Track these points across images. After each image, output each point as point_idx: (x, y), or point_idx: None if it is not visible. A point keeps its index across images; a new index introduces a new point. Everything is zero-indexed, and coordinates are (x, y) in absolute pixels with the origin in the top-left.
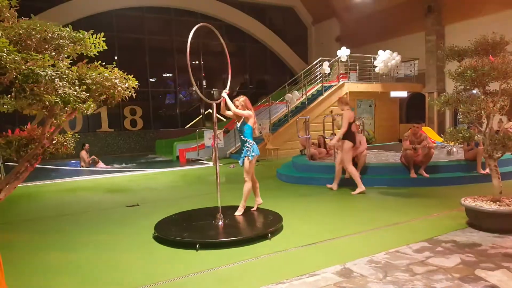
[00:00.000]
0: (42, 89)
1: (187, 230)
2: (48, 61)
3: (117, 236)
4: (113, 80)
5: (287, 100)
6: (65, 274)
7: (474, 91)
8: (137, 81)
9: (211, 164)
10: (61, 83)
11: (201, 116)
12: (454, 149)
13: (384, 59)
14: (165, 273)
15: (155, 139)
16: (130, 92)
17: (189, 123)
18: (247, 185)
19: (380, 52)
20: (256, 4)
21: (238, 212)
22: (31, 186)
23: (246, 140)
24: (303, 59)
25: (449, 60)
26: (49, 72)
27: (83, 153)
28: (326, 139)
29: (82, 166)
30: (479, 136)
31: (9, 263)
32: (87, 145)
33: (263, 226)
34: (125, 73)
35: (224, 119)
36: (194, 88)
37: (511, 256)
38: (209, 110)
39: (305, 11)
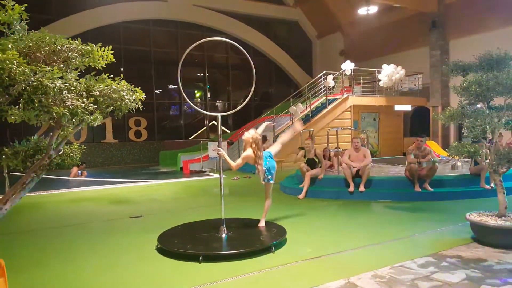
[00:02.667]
0: (50, 100)
1: (190, 242)
2: (57, 73)
3: (120, 248)
4: (121, 92)
5: (291, 112)
6: (66, 278)
7: (479, 105)
8: (144, 94)
9: (214, 175)
10: (69, 95)
11: (205, 127)
12: (459, 163)
13: (389, 72)
14: (168, 286)
15: (159, 150)
16: (137, 104)
17: (193, 135)
18: (270, 202)
19: (384, 66)
20: (261, 18)
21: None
22: (33, 196)
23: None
24: (308, 72)
25: (453, 74)
26: (57, 84)
27: (75, 169)
28: (330, 152)
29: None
30: (484, 150)
31: (11, 274)
32: (84, 165)
33: (267, 239)
34: (132, 85)
35: (229, 131)
36: (188, 104)
37: None
38: (214, 122)
39: (310, 25)
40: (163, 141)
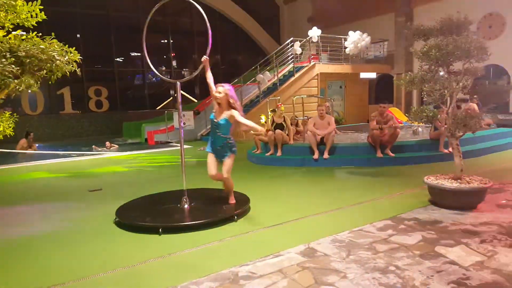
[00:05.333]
0: None
1: (150, 215)
2: None
3: (77, 222)
4: (50, 52)
5: (259, 81)
6: (21, 263)
7: (441, 74)
8: (79, 55)
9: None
10: None
11: (171, 98)
12: (420, 129)
13: (355, 40)
14: (125, 260)
15: (122, 121)
16: (72, 67)
17: (159, 105)
18: (231, 180)
19: (351, 33)
20: None
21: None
22: None
23: (227, 136)
24: (276, 39)
25: (415, 39)
26: None
27: (22, 142)
28: (298, 120)
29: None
30: (442, 115)
31: None
32: (31, 134)
33: (230, 209)
34: (67, 45)
35: (196, 100)
36: (152, 68)
37: (470, 232)
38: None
39: None
40: (126, 111)
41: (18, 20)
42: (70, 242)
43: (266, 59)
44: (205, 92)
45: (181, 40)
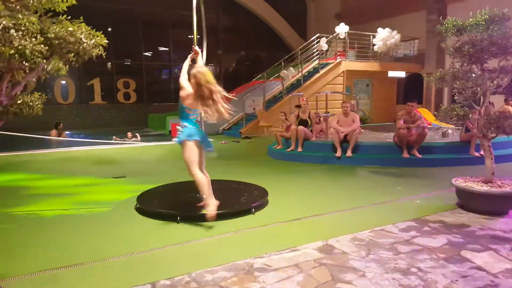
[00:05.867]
0: None
1: (169, 203)
2: (2, 10)
3: (99, 207)
4: (78, 35)
5: (282, 77)
6: (39, 241)
7: (474, 75)
8: (105, 39)
9: None
10: (15, 34)
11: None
12: (450, 131)
13: (384, 37)
14: (143, 244)
15: (148, 113)
16: (99, 50)
17: None
18: (197, 177)
19: (380, 30)
20: None
21: (210, 207)
22: (19, 155)
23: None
24: (302, 36)
25: (447, 34)
26: (4, 22)
27: (53, 133)
28: (321, 116)
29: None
30: (475, 116)
31: None
32: (61, 124)
33: (247, 201)
34: (94, 29)
35: None
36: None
37: (500, 238)
38: None
39: None
40: (152, 104)
41: (50, 5)
42: (90, 225)
43: (291, 55)
44: (227, 88)
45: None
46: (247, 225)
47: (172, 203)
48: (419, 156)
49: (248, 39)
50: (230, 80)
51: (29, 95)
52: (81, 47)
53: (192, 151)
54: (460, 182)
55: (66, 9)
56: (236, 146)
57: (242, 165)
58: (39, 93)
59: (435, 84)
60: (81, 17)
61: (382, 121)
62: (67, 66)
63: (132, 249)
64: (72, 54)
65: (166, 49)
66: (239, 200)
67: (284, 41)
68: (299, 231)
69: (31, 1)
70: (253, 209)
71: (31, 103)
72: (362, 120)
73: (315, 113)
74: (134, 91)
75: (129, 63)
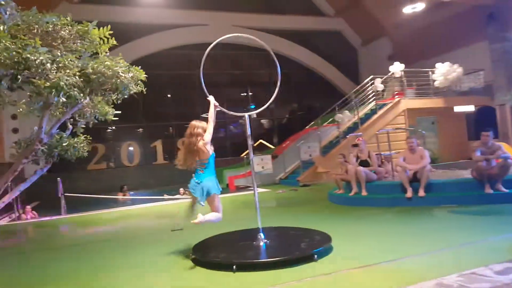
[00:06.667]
0: (33, 72)
1: (225, 251)
2: (39, 45)
3: (156, 258)
4: (115, 68)
5: (338, 121)
6: None
7: None
8: (144, 72)
9: (260, 190)
10: (50, 67)
11: (252, 146)
12: None
13: (444, 72)
14: None
15: None
16: (139, 86)
17: (239, 153)
18: None
19: (438, 64)
20: (303, 32)
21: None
22: (87, 215)
23: None
24: (354, 81)
25: None
26: (41, 57)
27: (119, 195)
28: (382, 156)
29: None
30: None
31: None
32: (125, 186)
33: (308, 247)
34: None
35: (271, 146)
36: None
37: None
38: (261, 141)
39: (353, 33)
40: None
41: (92, 48)
42: (147, 273)
43: (344, 99)
44: (282, 138)
45: (259, 92)
46: (309, 274)
47: (228, 251)
48: (505, 190)
49: (300, 90)
50: (283, 130)
51: (74, 138)
52: (118, 80)
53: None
54: None
55: (108, 51)
56: (295, 194)
57: (301, 212)
58: (84, 136)
59: None
60: (120, 54)
61: (453, 160)
62: (113, 110)
63: None
64: (112, 93)
65: (219, 109)
66: (299, 246)
67: (337, 89)
68: (370, 278)
69: (74, 45)
70: (315, 256)
71: (75, 145)
72: (432, 160)
73: (376, 154)
74: None
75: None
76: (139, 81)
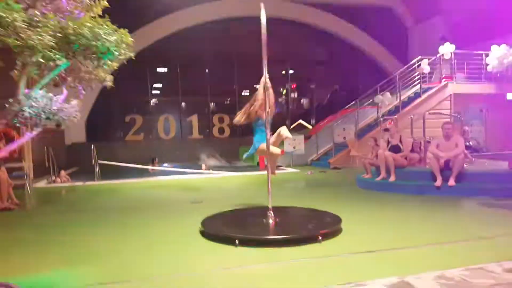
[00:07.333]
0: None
1: (232, 226)
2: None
3: (168, 228)
4: (96, 30)
5: (377, 103)
6: (104, 256)
7: None
8: (130, 36)
9: (289, 169)
10: (22, 25)
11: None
12: None
13: (499, 55)
14: (201, 266)
15: (240, 146)
16: (124, 52)
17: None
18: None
19: (494, 47)
20: (351, 7)
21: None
22: (118, 183)
23: None
24: (403, 63)
25: None
26: (15, 15)
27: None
28: (420, 143)
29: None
30: None
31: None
32: (156, 159)
33: (315, 228)
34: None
35: (309, 126)
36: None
37: None
38: (300, 121)
39: (405, 10)
40: (245, 137)
41: (83, 9)
42: (154, 243)
43: (388, 80)
44: (320, 118)
45: (300, 70)
46: (312, 254)
47: (235, 227)
48: None
49: (344, 69)
50: (324, 111)
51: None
52: (99, 43)
53: None
54: None
55: (100, 14)
56: (323, 176)
57: (323, 194)
58: (72, 100)
59: None
60: (107, 15)
61: (500, 150)
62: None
63: (185, 268)
64: (91, 52)
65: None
66: (306, 227)
67: (384, 69)
68: (371, 264)
69: (63, 6)
70: (320, 237)
71: (64, 109)
72: (476, 150)
73: (414, 140)
74: (228, 126)
75: (228, 102)
76: (123, 45)
